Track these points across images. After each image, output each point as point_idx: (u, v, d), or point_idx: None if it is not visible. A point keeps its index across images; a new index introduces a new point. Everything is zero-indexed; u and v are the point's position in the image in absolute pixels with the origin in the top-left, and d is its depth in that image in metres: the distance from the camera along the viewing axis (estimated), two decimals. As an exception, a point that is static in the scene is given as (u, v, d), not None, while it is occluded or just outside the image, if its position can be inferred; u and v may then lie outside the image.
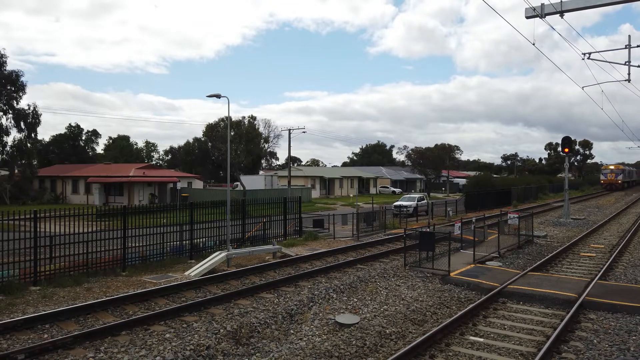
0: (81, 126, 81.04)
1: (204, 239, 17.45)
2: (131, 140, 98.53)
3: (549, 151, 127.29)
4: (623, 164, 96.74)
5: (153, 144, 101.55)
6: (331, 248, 18.55)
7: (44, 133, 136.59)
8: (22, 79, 49.54)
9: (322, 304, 10.95)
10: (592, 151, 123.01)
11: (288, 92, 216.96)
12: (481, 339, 8.83)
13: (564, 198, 30.21)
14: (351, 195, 68.20)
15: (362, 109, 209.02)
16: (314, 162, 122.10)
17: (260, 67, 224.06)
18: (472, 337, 8.94)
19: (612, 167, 75.49)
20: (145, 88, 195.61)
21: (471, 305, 10.60)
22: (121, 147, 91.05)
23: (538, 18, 13.72)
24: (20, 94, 50.04)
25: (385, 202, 43.37)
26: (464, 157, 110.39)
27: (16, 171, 52.29)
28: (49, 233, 13.29)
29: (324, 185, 71.13)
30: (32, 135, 52.48)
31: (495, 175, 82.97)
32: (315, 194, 66.18)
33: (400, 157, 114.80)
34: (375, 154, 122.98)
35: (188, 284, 12.31)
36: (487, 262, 15.61)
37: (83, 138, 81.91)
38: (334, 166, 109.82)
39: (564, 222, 28.00)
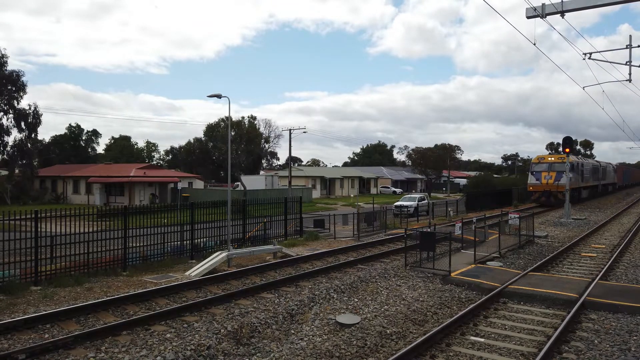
0: (82, 126, 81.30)
1: (204, 239, 17.45)
2: (132, 140, 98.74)
3: (549, 151, 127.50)
4: (619, 163, 77.90)
5: (154, 144, 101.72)
6: (332, 248, 18.55)
7: (45, 133, 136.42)
8: (23, 79, 49.74)
9: (323, 304, 10.94)
10: (592, 151, 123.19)
11: (288, 92, 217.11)
12: (482, 339, 8.82)
13: (565, 198, 30.19)
14: (352, 195, 68.24)
15: (362, 109, 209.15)
16: (315, 162, 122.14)
17: (260, 67, 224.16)
18: (472, 337, 8.93)
19: (551, 158, 38.55)
20: (146, 88, 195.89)
21: (472, 306, 10.59)
22: (122, 147, 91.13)
23: (538, 18, 13.75)
24: (21, 94, 50.19)
25: (386, 202, 43.37)
26: (464, 157, 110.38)
27: (17, 171, 52.38)
28: (49, 233, 13.30)
29: (324, 186, 71.14)
30: (33, 135, 52.58)
31: (495, 176, 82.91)
32: (316, 194, 66.18)
33: (401, 157, 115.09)
34: (376, 154, 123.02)
35: (189, 284, 12.31)
36: (487, 262, 15.60)
37: (83, 138, 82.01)
38: (335, 166, 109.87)
39: (564, 222, 27.97)
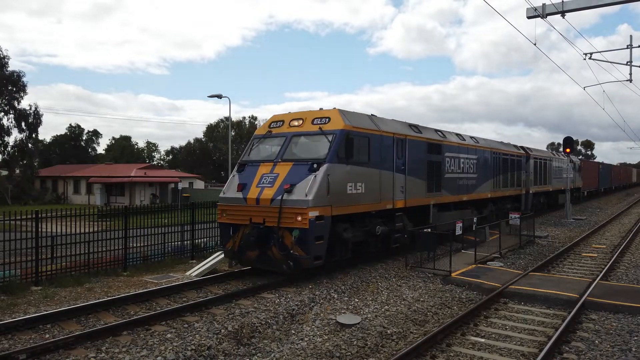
0: (82, 126, 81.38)
1: (205, 239, 17.44)
2: (132, 140, 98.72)
3: (552, 152, 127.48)
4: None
5: (154, 144, 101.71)
6: (332, 248, 18.50)
7: (46, 133, 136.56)
8: (24, 79, 49.90)
9: (323, 304, 10.94)
10: (593, 151, 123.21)
11: (288, 92, 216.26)
12: (482, 339, 8.82)
13: (566, 198, 30.18)
14: (352, 195, 67.88)
15: (363, 110, 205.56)
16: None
17: (260, 67, 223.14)
18: (473, 338, 8.92)
19: (296, 123, 13.08)
20: (147, 89, 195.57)
21: (472, 306, 10.59)
22: (122, 148, 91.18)
23: (538, 19, 13.77)
24: (22, 95, 50.34)
25: (386, 202, 43.26)
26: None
27: (17, 171, 52.47)
28: (50, 233, 13.30)
29: (325, 186, 70.88)
30: (33, 135, 52.72)
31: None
32: (317, 194, 65.95)
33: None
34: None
35: (189, 284, 12.31)
36: (488, 263, 15.59)
37: (84, 138, 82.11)
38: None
39: (565, 222, 27.97)
